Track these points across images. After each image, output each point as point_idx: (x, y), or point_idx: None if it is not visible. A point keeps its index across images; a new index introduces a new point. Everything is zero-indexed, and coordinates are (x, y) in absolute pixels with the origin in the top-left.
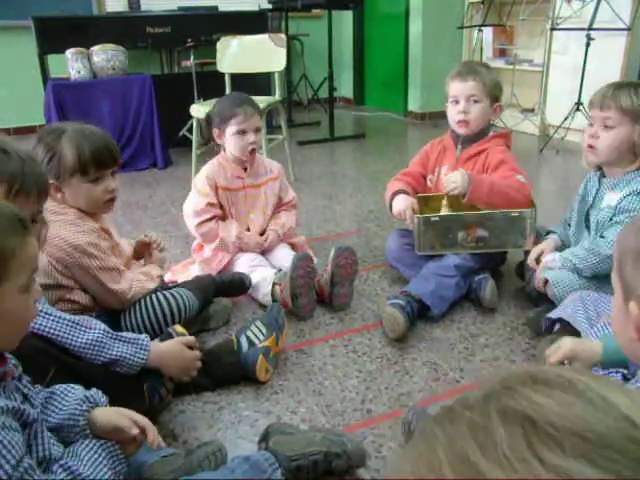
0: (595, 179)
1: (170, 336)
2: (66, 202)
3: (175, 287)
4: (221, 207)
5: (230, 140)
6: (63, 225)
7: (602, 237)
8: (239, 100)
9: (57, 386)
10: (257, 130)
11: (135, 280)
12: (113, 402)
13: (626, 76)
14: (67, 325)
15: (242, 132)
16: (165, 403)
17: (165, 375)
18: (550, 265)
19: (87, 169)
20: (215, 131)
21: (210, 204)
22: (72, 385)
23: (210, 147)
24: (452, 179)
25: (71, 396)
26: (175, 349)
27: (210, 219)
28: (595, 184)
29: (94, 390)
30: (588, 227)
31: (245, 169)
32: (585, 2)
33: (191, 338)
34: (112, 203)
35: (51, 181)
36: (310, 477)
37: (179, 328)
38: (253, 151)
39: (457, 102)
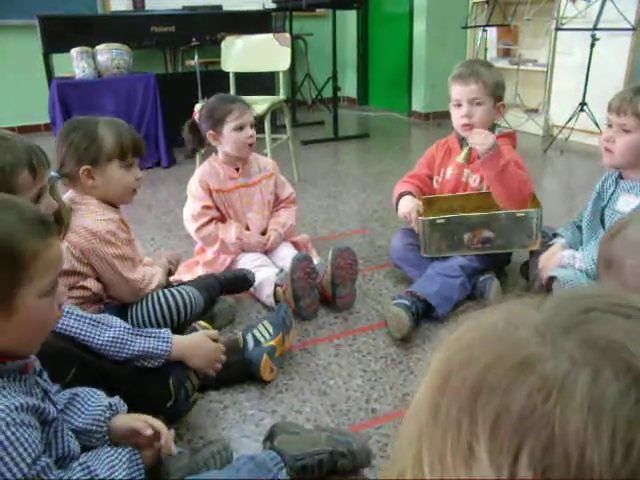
0: (613, 179)
1: (195, 331)
2: (93, 190)
3: (180, 285)
4: (218, 209)
5: (229, 137)
6: (84, 213)
7: None
8: (230, 98)
9: (80, 389)
10: (252, 125)
11: (146, 273)
12: (138, 399)
13: (631, 77)
14: (88, 324)
15: (240, 127)
16: (192, 401)
17: (190, 368)
18: (567, 261)
19: (126, 153)
20: (210, 134)
21: (206, 207)
22: (94, 390)
23: (208, 150)
24: (483, 135)
25: (94, 401)
26: (198, 340)
27: (208, 222)
28: (612, 184)
29: (116, 398)
30: (603, 224)
31: (237, 169)
32: (590, 2)
33: (214, 331)
34: (135, 193)
35: (85, 167)
36: (315, 476)
37: (204, 323)
38: (250, 146)
39: (459, 105)
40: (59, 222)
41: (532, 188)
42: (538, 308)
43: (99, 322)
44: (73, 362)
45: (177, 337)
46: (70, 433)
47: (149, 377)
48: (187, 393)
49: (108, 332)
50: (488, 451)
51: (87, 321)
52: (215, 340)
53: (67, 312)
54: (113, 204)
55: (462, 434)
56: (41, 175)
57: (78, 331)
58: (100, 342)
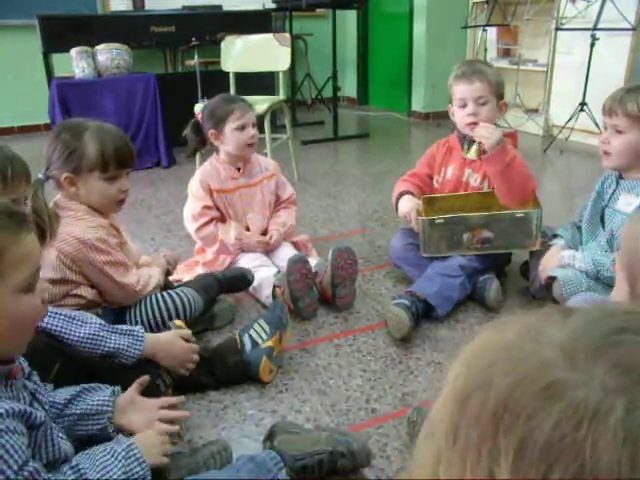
0: (613, 178)
1: (168, 329)
2: (77, 197)
3: (179, 287)
4: (218, 209)
5: (231, 137)
6: (72, 221)
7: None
8: (232, 98)
9: (88, 384)
10: (254, 124)
11: (141, 275)
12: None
13: (631, 76)
14: (64, 320)
15: (242, 127)
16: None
17: (161, 367)
18: (567, 262)
19: (108, 166)
20: (212, 133)
21: (206, 207)
22: (100, 385)
23: (209, 150)
24: (490, 129)
25: (100, 388)
26: (169, 339)
27: (208, 222)
28: (612, 184)
29: (117, 387)
30: (603, 224)
31: (239, 169)
32: (590, 2)
33: (187, 331)
34: (123, 203)
35: (66, 174)
36: (315, 476)
37: (179, 323)
38: (252, 145)
39: (464, 105)
40: (42, 227)
41: (535, 185)
42: (564, 324)
43: (74, 318)
44: (57, 357)
45: (149, 336)
46: (62, 435)
47: (129, 375)
48: (159, 390)
49: (83, 328)
50: (510, 479)
51: (62, 317)
52: (187, 340)
53: None
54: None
55: (482, 460)
56: (13, 187)
57: (53, 328)
58: (76, 338)
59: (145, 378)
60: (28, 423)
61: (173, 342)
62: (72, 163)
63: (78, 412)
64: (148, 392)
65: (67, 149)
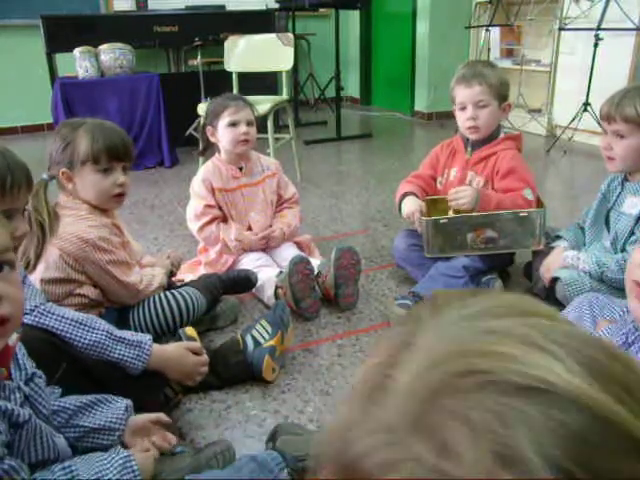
0: (618, 180)
1: (180, 339)
2: (77, 194)
3: (182, 286)
4: (221, 209)
5: (223, 133)
6: (75, 220)
7: (624, 251)
8: (232, 96)
9: (101, 395)
10: (249, 123)
11: (144, 274)
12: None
13: (634, 76)
14: (70, 325)
15: (234, 124)
16: (174, 402)
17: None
18: (570, 262)
19: (99, 157)
20: (209, 129)
21: (208, 206)
22: (111, 396)
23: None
24: (462, 194)
25: (114, 402)
26: (177, 354)
27: (210, 221)
28: (618, 186)
29: (129, 401)
30: (608, 226)
31: (240, 168)
32: (594, 2)
33: (196, 344)
34: (122, 198)
35: (63, 170)
36: None
37: (190, 332)
38: (245, 142)
39: (464, 108)
40: (42, 225)
41: (534, 204)
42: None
43: (81, 323)
44: (63, 357)
45: (157, 348)
46: (58, 435)
47: (134, 379)
48: (167, 397)
49: (90, 335)
50: None
51: (68, 322)
52: (197, 353)
53: (48, 312)
54: (103, 209)
55: None
56: (12, 197)
57: (59, 333)
58: (81, 344)
59: (166, 420)
60: (11, 421)
61: (181, 358)
62: (67, 157)
63: (89, 425)
64: (155, 401)
65: (62, 144)
